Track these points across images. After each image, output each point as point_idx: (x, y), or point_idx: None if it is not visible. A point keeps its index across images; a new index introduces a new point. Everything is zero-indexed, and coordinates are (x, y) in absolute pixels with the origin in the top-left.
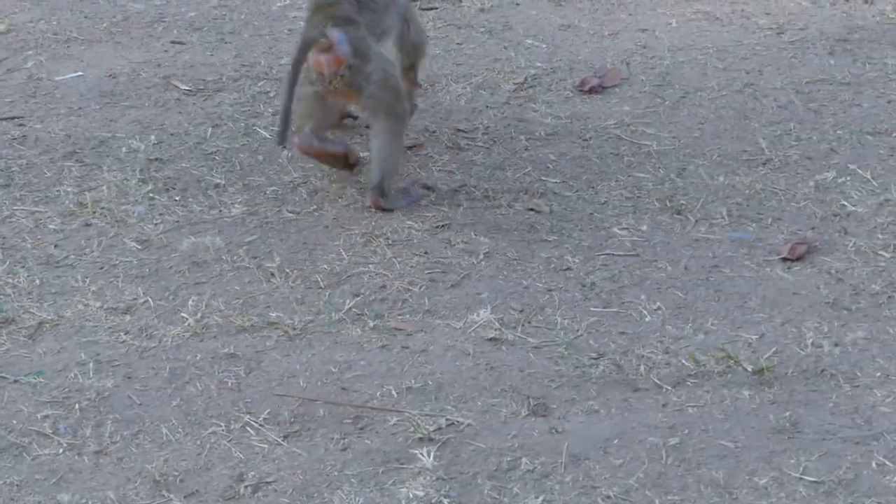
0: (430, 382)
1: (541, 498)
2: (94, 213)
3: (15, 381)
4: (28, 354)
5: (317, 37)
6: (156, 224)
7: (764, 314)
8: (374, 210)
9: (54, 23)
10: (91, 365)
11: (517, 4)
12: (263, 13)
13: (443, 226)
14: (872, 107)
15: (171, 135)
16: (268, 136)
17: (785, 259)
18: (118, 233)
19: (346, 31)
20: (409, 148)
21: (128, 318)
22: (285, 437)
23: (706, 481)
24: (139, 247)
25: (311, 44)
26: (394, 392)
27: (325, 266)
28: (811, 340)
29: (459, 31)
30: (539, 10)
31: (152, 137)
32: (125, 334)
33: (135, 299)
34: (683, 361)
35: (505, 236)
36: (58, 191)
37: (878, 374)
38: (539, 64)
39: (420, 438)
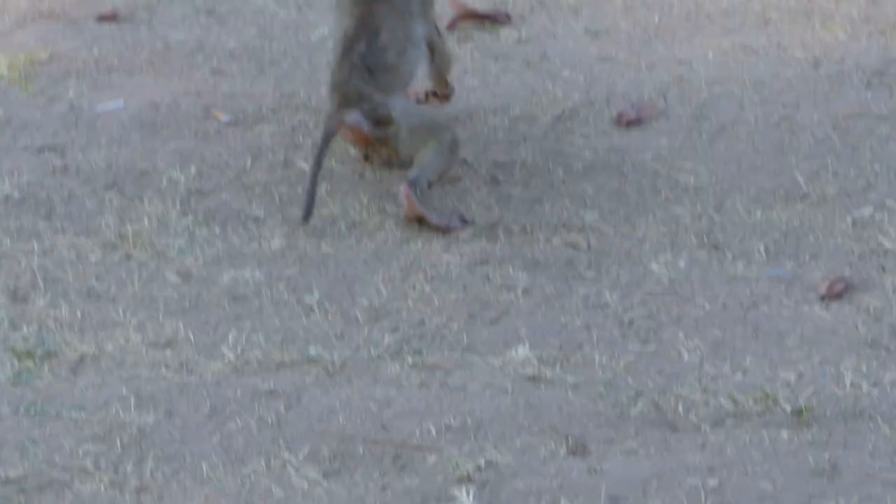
0: (469, 421)
1: None
2: (135, 245)
3: (57, 416)
4: (69, 389)
5: (335, 127)
6: (196, 257)
7: (802, 353)
8: (405, 205)
9: (95, 52)
10: (132, 400)
11: (554, 36)
12: (303, 43)
13: (481, 261)
14: None
15: (211, 166)
16: (307, 168)
17: (823, 297)
18: (159, 266)
19: (361, 110)
20: (449, 180)
21: (168, 352)
22: (325, 475)
23: None
24: (179, 280)
25: (331, 135)
26: (433, 430)
27: (364, 301)
28: (850, 381)
29: (496, 62)
30: (576, 42)
31: (192, 169)
32: (166, 369)
33: (175, 333)
34: (722, 401)
35: (543, 272)
36: (99, 222)
37: None
38: (576, 96)
39: (459, 478)
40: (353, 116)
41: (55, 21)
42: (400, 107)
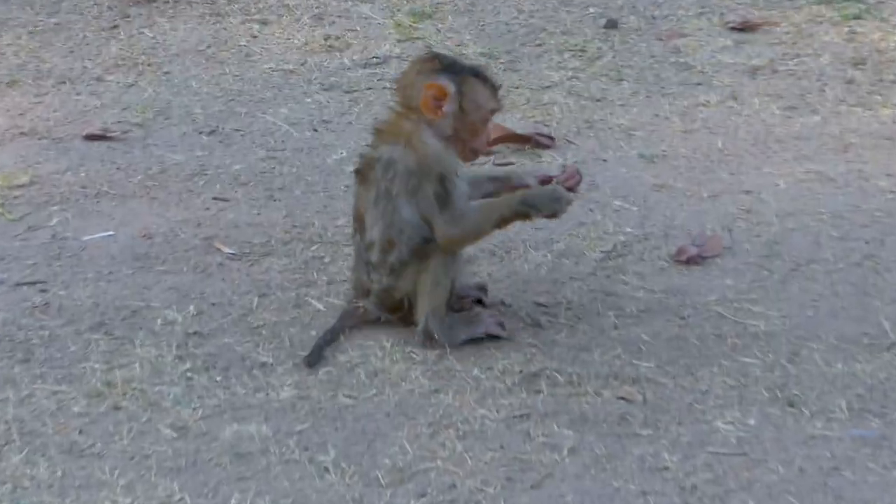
0: None
1: None
2: (125, 394)
3: None
4: None
5: (352, 321)
6: (194, 408)
7: None
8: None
9: (83, 175)
10: None
11: (604, 161)
12: (317, 166)
13: (521, 416)
14: None
15: (213, 305)
16: (322, 307)
17: None
18: (151, 418)
19: (372, 302)
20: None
21: None
22: None
23: None
24: (175, 434)
25: (348, 325)
26: None
27: (387, 461)
28: None
29: None
30: (629, 168)
31: (191, 308)
32: None
33: (169, 496)
34: None
35: (592, 429)
36: (83, 367)
37: None
38: (629, 229)
39: None
40: (370, 314)
41: (37, 140)
42: (402, 287)
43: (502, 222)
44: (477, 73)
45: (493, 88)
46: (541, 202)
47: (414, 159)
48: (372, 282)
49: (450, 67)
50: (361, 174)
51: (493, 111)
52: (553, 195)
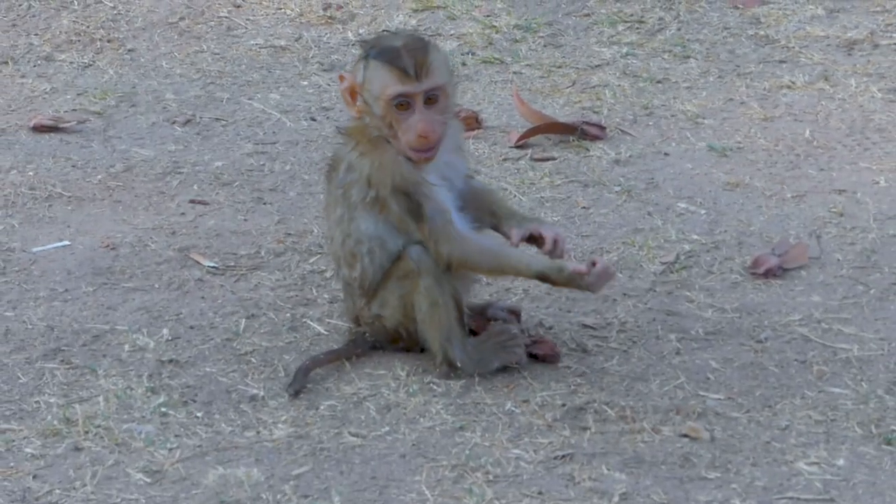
0: None
1: None
2: (87, 432)
3: None
4: None
5: (349, 354)
6: (170, 449)
7: None
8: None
9: (31, 174)
10: None
11: (666, 154)
12: (316, 163)
13: (563, 457)
14: None
15: (191, 328)
16: (324, 330)
17: None
18: (119, 460)
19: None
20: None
21: None
22: None
23: None
24: (148, 480)
25: (353, 350)
26: None
27: None
28: None
29: (586, 189)
30: (696, 163)
31: (165, 331)
32: None
33: None
34: None
35: (649, 472)
36: (37, 402)
37: None
38: (696, 237)
39: None
40: (363, 349)
41: None
42: (392, 317)
43: (511, 274)
44: (377, 54)
45: (396, 68)
46: (580, 280)
47: (367, 167)
48: (357, 307)
49: (367, 52)
50: (329, 174)
51: (398, 96)
52: (596, 277)
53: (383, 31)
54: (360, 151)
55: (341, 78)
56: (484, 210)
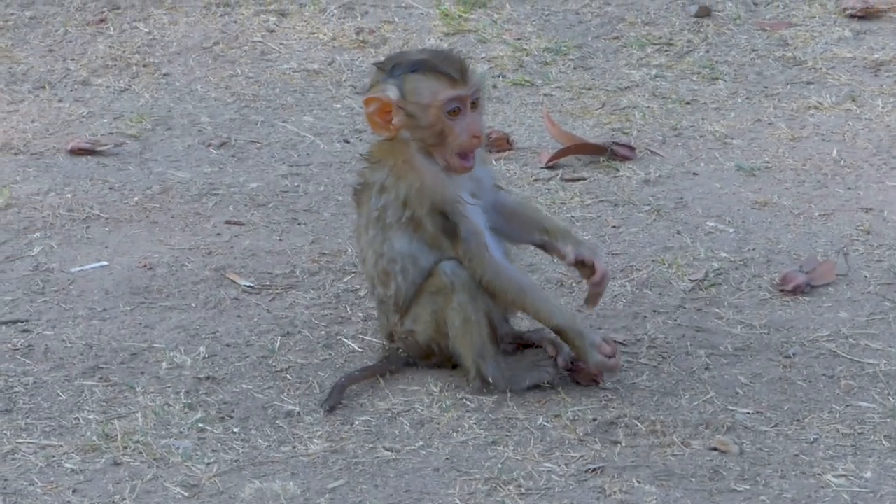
0: None
1: None
2: (125, 448)
3: None
4: None
5: (385, 370)
6: (208, 464)
7: None
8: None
9: (69, 196)
10: None
11: (695, 174)
12: (349, 184)
13: (594, 470)
14: None
15: (227, 346)
16: (358, 347)
17: None
18: (157, 475)
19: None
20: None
21: None
22: None
23: None
24: (186, 494)
25: (388, 366)
26: None
27: None
28: None
29: (616, 209)
30: (724, 182)
31: (202, 349)
32: None
33: None
34: None
35: (679, 485)
36: (76, 418)
37: None
38: (724, 254)
39: None
40: (397, 366)
41: (13, 155)
42: (423, 332)
43: (531, 313)
44: (417, 67)
45: (443, 74)
46: (591, 354)
47: (405, 188)
48: (391, 323)
49: (392, 71)
50: (357, 196)
51: (451, 100)
52: (603, 363)
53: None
54: (395, 173)
55: (368, 102)
56: (533, 226)
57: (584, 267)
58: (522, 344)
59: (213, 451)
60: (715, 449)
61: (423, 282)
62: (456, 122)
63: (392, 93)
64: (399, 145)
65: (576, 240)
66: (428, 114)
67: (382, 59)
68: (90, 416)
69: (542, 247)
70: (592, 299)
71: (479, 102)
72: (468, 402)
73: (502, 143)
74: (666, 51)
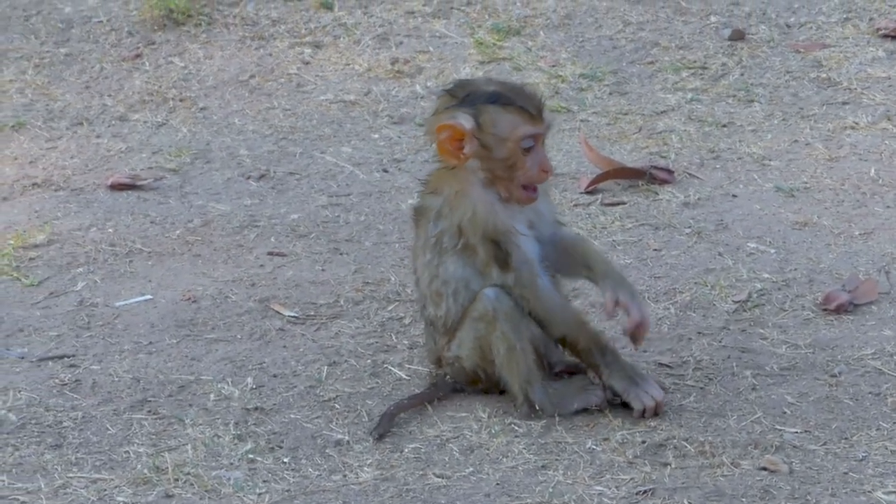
0: None
1: None
2: (177, 480)
3: None
4: None
5: (433, 397)
6: (259, 494)
7: None
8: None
9: (110, 231)
10: None
11: (734, 196)
12: (390, 213)
13: (645, 492)
14: None
15: (274, 376)
16: (405, 375)
17: None
18: None
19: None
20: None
21: None
22: None
23: None
24: None
25: (436, 393)
26: None
27: None
28: None
29: (657, 232)
30: (764, 204)
31: (249, 380)
32: None
33: None
34: None
35: None
36: (126, 452)
37: None
38: (767, 275)
39: None
40: (445, 392)
41: (53, 191)
42: (470, 358)
43: (576, 349)
44: (496, 98)
45: (522, 110)
46: (621, 383)
47: (459, 217)
48: (439, 347)
49: (466, 99)
50: (416, 218)
51: (528, 137)
52: (637, 393)
53: (457, 79)
54: (450, 201)
55: (440, 129)
56: (577, 262)
57: (623, 310)
58: (570, 370)
59: (265, 481)
60: (765, 469)
61: (468, 305)
62: (528, 157)
63: (467, 122)
64: (457, 174)
65: (617, 279)
66: (504, 147)
67: (451, 85)
68: (140, 449)
69: (588, 280)
70: (635, 341)
71: (546, 139)
72: (517, 427)
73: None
74: (701, 74)
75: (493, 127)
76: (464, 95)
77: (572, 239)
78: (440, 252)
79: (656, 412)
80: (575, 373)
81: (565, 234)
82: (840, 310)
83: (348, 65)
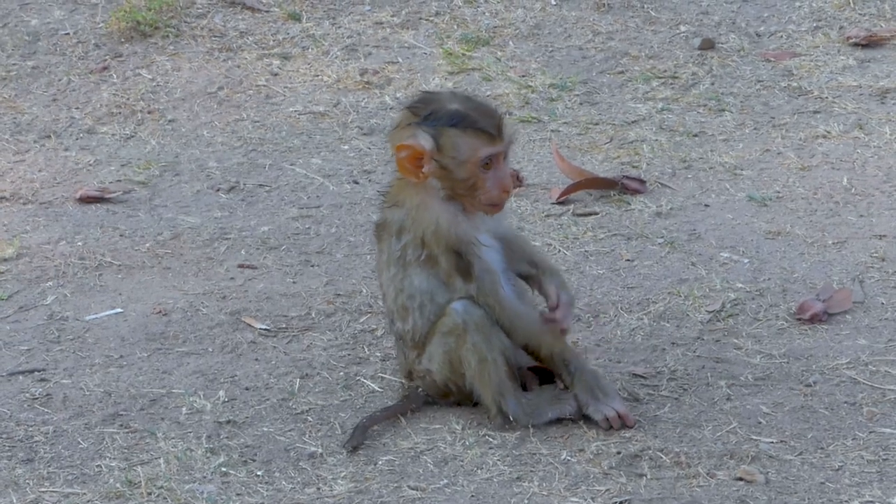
0: None
1: None
2: (150, 494)
3: None
4: None
5: (406, 409)
6: None
7: None
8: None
9: (80, 244)
10: None
11: (706, 206)
12: (361, 225)
13: (621, 502)
14: None
15: (246, 389)
16: (377, 387)
17: None
18: None
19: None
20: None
21: None
22: None
23: None
24: None
25: (408, 404)
26: None
27: None
28: None
29: (630, 242)
30: (737, 213)
31: (221, 393)
32: None
33: None
34: None
35: None
36: (98, 466)
37: None
38: (740, 285)
39: None
40: (418, 404)
41: (21, 205)
42: (440, 372)
43: (537, 354)
44: (457, 121)
45: (482, 132)
46: (583, 394)
47: (422, 229)
48: (409, 360)
49: (428, 118)
50: (378, 233)
51: (488, 157)
52: (597, 406)
53: (423, 92)
54: (412, 215)
55: (400, 148)
56: (523, 258)
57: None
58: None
59: (238, 494)
60: (741, 479)
61: (435, 320)
62: (488, 176)
63: (427, 143)
64: (418, 186)
65: (560, 279)
66: (464, 169)
67: (414, 100)
68: (112, 464)
69: (526, 278)
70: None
71: (508, 154)
72: (491, 439)
73: (512, 180)
74: (671, 84)
75: (453, 150)
76: (425, 114)
77: (514, 235)
78: (404, 266)
79: (625, 424)
80: (541, 370)
81: (509, 231)
82: (814, 319)
83: (317, 76)
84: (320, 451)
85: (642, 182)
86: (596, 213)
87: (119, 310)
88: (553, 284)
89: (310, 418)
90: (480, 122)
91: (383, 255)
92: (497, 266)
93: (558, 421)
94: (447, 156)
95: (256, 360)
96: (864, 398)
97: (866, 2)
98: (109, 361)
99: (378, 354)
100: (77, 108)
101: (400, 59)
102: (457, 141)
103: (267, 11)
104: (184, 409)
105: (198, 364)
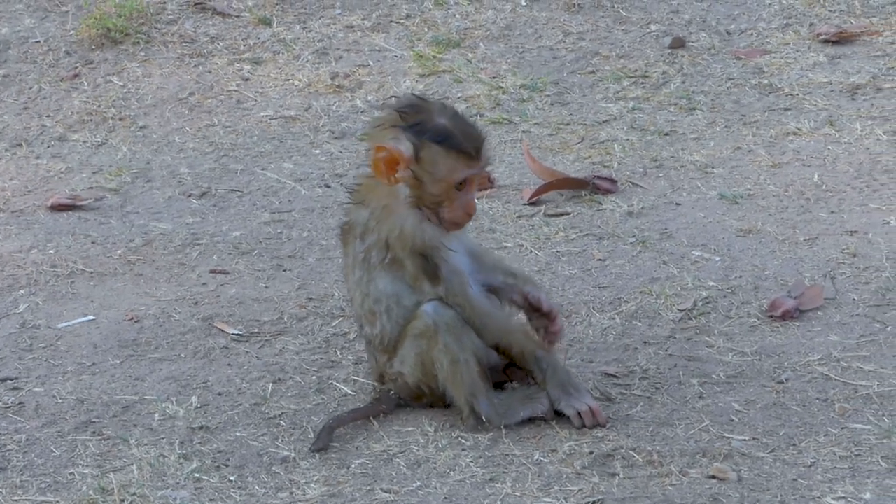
0: None
1: None
2: (123, 501)
3: None
4: None
5: (377, 411)
6: None
7: None
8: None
9: (52, 252)
10: None
11: (678, 205)
12: (333, 229)
13: (594, 502)
14: None
15: (219, 395)
16: (350, 391)
17: None
18: None
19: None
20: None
21: None
22: None
23: None
24: None
25: (380, 407)
26: None
27: None
28: None
29: (601, 242)
30: (708, 211)
31: (193, 399)
32: None
33: None
34: None
35: None
36: (71, 474)
37: None
38: (712, 283)
39: None
40: (389, 407)
41: None
42: (413, 374)
43: (509, 352)
44: (441, 138)
45: (464, 153)
46: (554, 391)
47: (386, 232)
48: (380, 364)
49: (414, 127)
50: (343, 236)
51: (462, 181)
52: (569, 401)
53: (414, 96)
54: (376, 216)
55: (379, 148)
56: (497, 269)
57: (537, 313)
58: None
59: (211, 500)
60: (713, 477)
61: (406, 324)
62: (458, 196)
63: (407, 150)
64: (384, 190)
65: (539, 285)
66: (437, 185)
67: (405, 104)
68: (85, 471)
69: (494, 290)
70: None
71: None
72: (464, 441)
73: (484, 182)
74: (642, 83)
75: (432, 165)
76: (412, 122)
77: (481, 248)
78: (369, 269)
79: (598, 422)
80: (514, 366)
81: (472, 242)
82: (786, 316)
83: (288, 80)
84: (293, 455)
85: (613, 182)
86: (567, 214)
87: (91, 317)
88: (540, 293)
89: (282, 423)
90: (464, 144)
91: (348, 258)
92: (465, 268)
93: (531, 421)
94: (424, 169)
95: (229, 365)
96: (835, 394)
97: None
98: (82, 369)
99: (350, 358)
100: (48, 116)
101: (371, 63)
102: (437, 158)
103: (237, 16)
104: (156, 415)
105: (170, 370)
